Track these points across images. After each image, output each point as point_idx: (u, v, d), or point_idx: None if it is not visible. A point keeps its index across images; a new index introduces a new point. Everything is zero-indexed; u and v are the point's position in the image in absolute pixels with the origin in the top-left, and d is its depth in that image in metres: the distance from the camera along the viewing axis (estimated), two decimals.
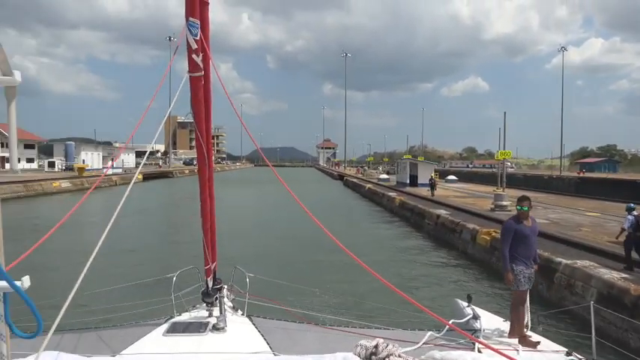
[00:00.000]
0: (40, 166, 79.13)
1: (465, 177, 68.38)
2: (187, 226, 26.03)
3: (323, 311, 8.27)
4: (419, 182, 47.43)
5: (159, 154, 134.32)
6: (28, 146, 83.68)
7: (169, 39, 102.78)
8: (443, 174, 65.66)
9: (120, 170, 76.01)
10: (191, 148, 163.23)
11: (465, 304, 6.33)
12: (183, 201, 44.71)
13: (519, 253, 6.07)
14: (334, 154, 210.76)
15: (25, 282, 1.78)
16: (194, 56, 4.24)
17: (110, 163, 75.56)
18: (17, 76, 1.85)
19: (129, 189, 3.29)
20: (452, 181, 58.79)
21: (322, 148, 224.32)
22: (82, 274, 2.10)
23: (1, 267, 1.68)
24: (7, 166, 67.08)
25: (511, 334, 5.70)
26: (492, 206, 26.58)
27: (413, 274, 16.68)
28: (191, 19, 4.16)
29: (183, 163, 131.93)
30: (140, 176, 68.13)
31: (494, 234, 18.10)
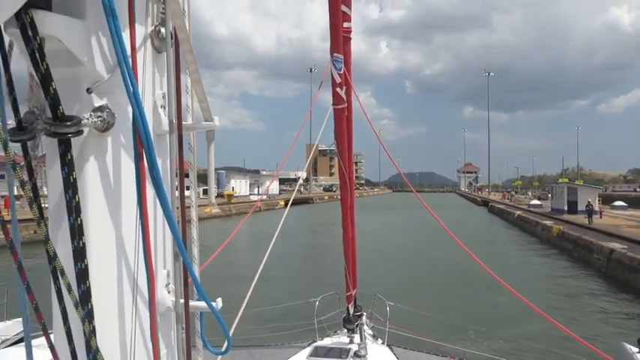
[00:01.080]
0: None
1: (633, 203, 60.31)
2: (327, 251, 26.86)
3: (467, 346, 7.93)
4: (579, 209, 42.95)
5: (301, 181, 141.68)
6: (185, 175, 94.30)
7: (310, 70, 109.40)
8: (607, 199, 58.68)
9: (265, 197, 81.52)
10: (331, 174, 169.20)
11: (636, 349, 5.63)
12: (322, 227, 46.29)
13: None
14: (476, 179, 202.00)
15: (219, 303, 1.99)
16: (338, 89, 4.52)
17: (264, 189, 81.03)
18: (216, 121, 2.14)
19: (283, 218, 3.58)
20: (620, 207, 52.19)
21: (463, 172, 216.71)
22: (247, 296, 2.35)
23: (201, 289, 1.91)
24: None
25: None
26: None
27: (576, 312, 15.11)
28: (335, 54, 4.46)
29: (323, 189, 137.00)
30: (282, 202, 72.32)
31: None
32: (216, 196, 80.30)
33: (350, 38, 4.85)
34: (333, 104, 4.64)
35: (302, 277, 20.89)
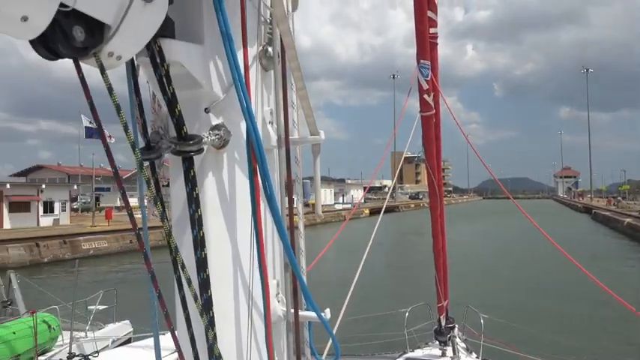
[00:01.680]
0: None
1: None
2: (415, 261, 26.38)
3: None
4: None
5: (386, 189, 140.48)
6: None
7: (392, 77, 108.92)
8: None
9: (349, 205, 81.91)
10: (417, 182, 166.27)
11: None
12: (409, 235, 45.58)
13: None
14: (576, 184, 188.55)
15: (327, 313, 2.06)
16: (425, 96, 4.49)
17: (357, 199, 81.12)
18: (322, 134, 2.21)
19: (376, 227, 3.62)
20: None
21: (561, 177, 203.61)
22: (344, 306, 2.39)
23: (311, 299, 1.96)
24: None
25: None
26: None
27: None
28: (422, 61, 4.44)
29: (409, 197, 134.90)
30: (367, 211, 72.11)
31: None
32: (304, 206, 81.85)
33: (436, 44, 4.81)
34: (421, 111, 4.61)
35: (390, 286, 20.69)
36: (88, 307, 9.09)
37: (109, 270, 28.23)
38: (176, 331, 1.61)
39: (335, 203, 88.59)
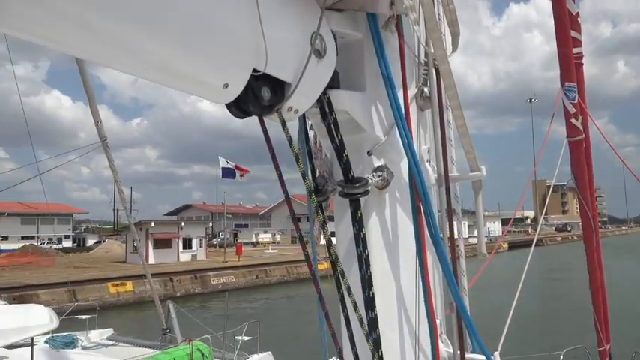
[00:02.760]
0: None
1: None
2: (565, 299, 24.14)
3: None
4: None
5: (528, 221, 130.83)
6: None
7: (530, 101, 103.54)
8: None
9: (485, 239, 77.67)
10: (564, 212, 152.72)
11: None
12: (556, 272, 41.78)
13: None
14: None
15: (497, 357, 2.01)
16: (573, 120, 4.25)
17: (496, 232, 77.39)
18: (483, 170, 2.21)
19: (527, 261, 3.49)
20: None
21: None
22: (500, 344, 2.31)
23: (480, 341, 1.92)
24: None
25: None
26: None
27: None
28: (567, 83, 4.23)
29: (555, 229, 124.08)
30: (505, 245, 67.77)
31: None
32: None
33: (582, 64, 4.55)
34: (568, 136, 4.36)
35: (540, 325, 19.13)
36: (235, 337, 9.72)
37: (237, 306, 29.71)
38: None
39: (469, 237, 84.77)
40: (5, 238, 66.59)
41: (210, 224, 63.20)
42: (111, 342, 10.58)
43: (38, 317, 7.52)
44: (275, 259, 47.80)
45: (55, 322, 7.58)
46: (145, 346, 10.02)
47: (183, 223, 50.92)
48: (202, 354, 8.63)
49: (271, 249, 62.62)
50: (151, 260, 43.18)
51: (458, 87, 1.97)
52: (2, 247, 59.20)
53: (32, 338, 7.40)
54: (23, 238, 67.87)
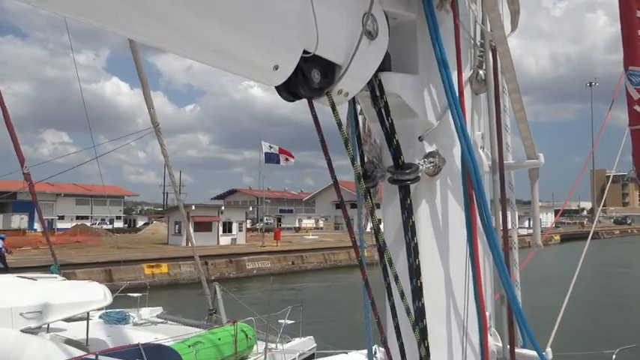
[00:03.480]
0: None
1: None
2: (621, 297, 23.19)
3: None
4: None
5: (584, 212, 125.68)
6: None
7: (590, 85, 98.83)
8: None
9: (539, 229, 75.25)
10: (624, 204, 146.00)
11: None
12: (613, 267, 40.11)
13: None
14: None
15: (549, 353, 1.98)
16: (636, 107, 4.04)
17: (549, 223, 75.24)
18: (541, 158, 2.09)
19: (583, 254, 3.38)
20: None
21: None
22: (550, 342, 2.24)
23: (532, 336, 1.84)
24: None
25: None
26: None
27: None
28: (631, 67, 4.02)
29: (614, 222, 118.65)
30: (557, 237, 65.67)
31: None
32: None
33: None
34: (630, 124, 4.15)
35: (592, 324, 18.48)
36: (279, 321, 9.92)
37: (273, 289, 29.91)
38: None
39: (519, 227, 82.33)
40: (61, 218, 69.53)
41: (250, 208, 63.06)
42: (160, 320, 11.03)
43: (93, 294, 7.93)
44: (314, 245, 47.27)
45: (108, 299, 7.98)
46: (193, 326, 10.39)
47: (223, 207, 50.98)
48: (246, 335, 8.86)
49: (312, 235, 62.46)
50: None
51: (516, 71, 1.89)
52: (59, 226, 62.17)
53: (88, 313, 7.82)
54: (78, 218, 71.17)
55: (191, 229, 43.64)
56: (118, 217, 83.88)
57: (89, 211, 76.98)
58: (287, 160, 38.31)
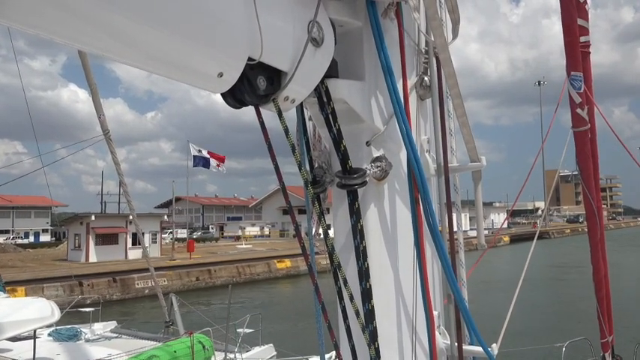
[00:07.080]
0: None
1: None
2: (568, 295, 24.15)
3: None
4: None
5: (539, 212, 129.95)
6: None
7: (538, 84, 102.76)
8: None
9: (486, 232, 76.44)
10: (577, 203, 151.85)
11: None
12: (561, 267, 41.61)
13: None
14: None
15: (495, 349, 2.01)
16: (578, 110, 4.26)
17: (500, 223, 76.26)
18: (483, 160, 2.19)
19: (529, 255, 3.52)
20: None
21: None
22: (500, 339, 2.31)
23: (478, 333, 1.91)
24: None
25: None
26: None
27: None
28: (573, 73, 4.25)
29: (566, 221, 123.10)
30: (506, 238, 66.57)
31: None
32: None
33: (589, 53, 4.55)
34: (573, 127, 4.38)
35: (542, 320, 19.19)
36: (237, 330, 9.82)
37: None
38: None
39: (470, 229, 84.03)
40: None
41: (165, 217, 54.77)
42: (114, 335, 10.72)
43: (40, 310, 7.62)
44: (239, 256, 42.89)
45: (56, 315, 7.68)
46: (148, 339, 10.14)
47: (131, 217, 47.03)
48: (203, 346, 8.72)
49: (245, 244, 58.13)
50: (92, 258, 38.99)
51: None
52: None
53: (35, 331, 7.51)
54: None
55: (91, 242, 37.96)
56: (45, 230, 77.66)
57: (10, 224, 71.52)
58: (218, 165, 34.96)
